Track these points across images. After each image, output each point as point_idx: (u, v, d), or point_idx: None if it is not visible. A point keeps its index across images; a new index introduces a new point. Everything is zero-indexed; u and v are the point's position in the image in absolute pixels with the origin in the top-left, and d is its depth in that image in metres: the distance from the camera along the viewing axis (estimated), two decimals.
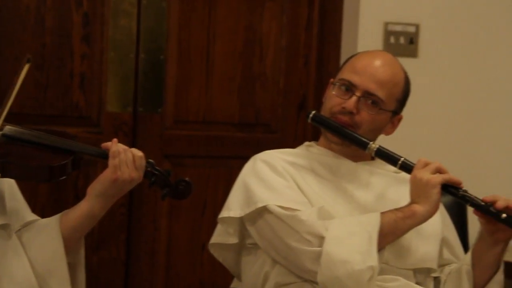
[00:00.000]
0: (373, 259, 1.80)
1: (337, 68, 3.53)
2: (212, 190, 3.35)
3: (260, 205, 1.92)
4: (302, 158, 2.04)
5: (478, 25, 3.59)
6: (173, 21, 3.27)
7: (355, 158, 2.04)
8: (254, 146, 3.26)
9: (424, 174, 1.87)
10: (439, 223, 2.04)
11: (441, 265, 2.06)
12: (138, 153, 1.86)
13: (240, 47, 3.38)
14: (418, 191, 1.87)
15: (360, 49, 3.26)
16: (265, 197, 1.92)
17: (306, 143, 2.12)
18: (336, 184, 2.00)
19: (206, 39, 3.33)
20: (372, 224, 1.85)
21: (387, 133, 2.08)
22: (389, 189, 2.03)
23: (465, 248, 2.26)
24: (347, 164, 2.03)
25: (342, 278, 1.79)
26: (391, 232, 1.88)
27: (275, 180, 1.95)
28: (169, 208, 3.29)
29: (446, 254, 2.07)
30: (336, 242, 1.82)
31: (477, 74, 3.61)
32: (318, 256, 1.83)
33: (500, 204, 1.86)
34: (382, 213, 1.88)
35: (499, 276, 1.96)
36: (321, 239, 1.84)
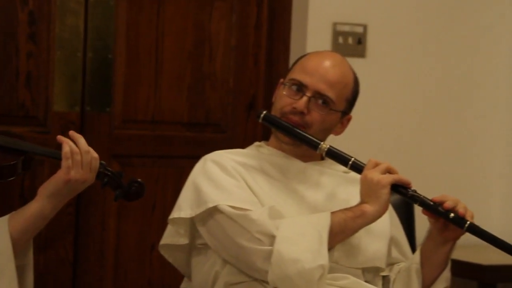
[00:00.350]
0: (323, 258, 1.81)
1: (287, 68, 3.56)
2: (161, 190, 3.33)
3: (210, 205, 1.92)
4: (252, 158, 2.04)
5: (425, 25, 3.62)
6: (121, 19, 3.25)
7: (305, 158, 2.05)
8: (203, 146, 3.27)
9: (374, 174, 1.89)
10: (388, 223, 2.06)
11: (390, 264, 2.07)
12: (93, 154, 1.84)
13: (190, 46, 3.36)
14: (368, 191, 1.89)
15: (309, 49, 3.27)
16: (215, 197, 1.92)
17: (256, 143, 2.12)
18: (286, 184, 2.01)
19: (154, 38, 3.31)
20: (322, 223, 1.86)
21: (337, 133, 2.09)
22: (339, 188, 2.04)
23: (413, 247, 2.28)
24: (297, 164, 2.04)
25: (292, 277, 1.80)
26: (341, 232, 1.89)
27: (225, 180, 1.95)
28: (118, 208, 3.27)
29: (395, 253, 2.08)
30: (287, 241, 1.83)
31: (423, 74, 3.64)
32: (269, 255, 1.83)
33: (448, 204, 1.88)
34: (332, 212, 1.90)
35: (446, 274, 1.98)
36: (272, 238, 1.84)
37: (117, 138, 3.29)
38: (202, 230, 1.97)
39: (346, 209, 1.91)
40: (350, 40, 3.46)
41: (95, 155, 1.84)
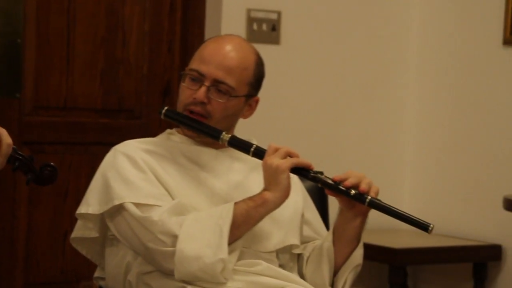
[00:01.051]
0: (223, 252, 1.83)
1: None
2: (74, 177, 3.30)
3: (116, 202, 1.90)
4: (163, 147, 2.01)
5: (338, 13, 3.65)
6: (30, 3, 3.19)
7: (217, 145, 2.02)
8: (117, 133, 3.29)
9: (274, 160, 1.88)
10: (300, 202, 2.06)
11: (303, 243, 2.07)
12: (7, 140, 1.79)
13: (102, 31, 3.33)
14: (268, 177, 1.88)
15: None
16: (122, 194, 1.90)
17: (168, 130, 2.08)
18: (197, 173, 1.99)
19: (66, 23, 3.26)
20: (223, 217, 1.86)
21: (246, 116, 2.06)
22: (251, 175, 2.02)
23: (327, 229, 2.26)
24: (208, 152, 2.02)
25: (196, 273, 1.83)
26: (244, 222, 1.89)
27: (134, 174, 1.92)
28: (29, 195, 3.23)
29: (307, 231, 2.08)
30: (188, 239, 1.84)
31: (337, 61, 3.67)
32: (172, 255, 1.84)
33: (349, 181, 1.89)
34: (236, 203, 1.89)
35: (359, 251, 1.98)
36: (174, 238, 1.85)
37: (28, 124, 3.23)
38: (111, 225, 1.95)
39: (248, 199, 1.90)
40: (264, 27, 3.46)
41: (9, 140, 1.80)
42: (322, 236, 2.06)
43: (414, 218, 1.84)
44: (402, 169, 3.85)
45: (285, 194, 1.89)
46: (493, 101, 3.58)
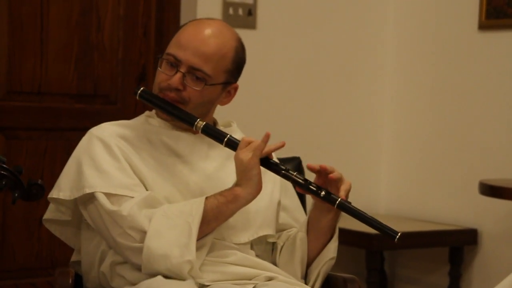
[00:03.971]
0: (191, 253, 1.80)
1: None
2: (49, 163, 3.28)
3: (87, 191, 1.86)
4: (139, 131, 1.96)
5: None
6: None
7: (195, 130, 1.97)
8: (92, 118, 3.22)
9: (245, 155, 1.84)
10: (277, 191, 2.03)
11: (279, 231, 2.04)
12: None
13: (76, 15, 3.30)
14: (240, 172, 1.85)
15: None
16: (93, 182, 1.87)
17: (147, 112, 2.03)
18: (173, 161, 1.95)
19: (39, 6, 3.23)
20: (193, 213, 1.83)
21: (223, 103, 2.01)
22: (228, 162, 1.98)
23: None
24: (186, 138, 1.97)
25: (163, 272, 1.81)
26: (215, 218, 1.86)
27: (107, 162, 1.89)
28: None
29: (283, 218, 2.05)
30: (156, 236, 1.81)
31: (314, 46, 3.67)
32: (140, 251, 1.82)
33: (319, 181, 1.87)
34: (206, 198, 1.87)
35: (334, 244, 1.95)
36: (143, 233, 1.82)
37: (1, 110, 3.21)
38: (84, 212, 1.92)
39: (219, 194, 1.87)
40: (240, 11, 3.44)
41: None
42: (300, 223, 2.03)
43: (382, 225, 1.80)
44: (378, 154, 3.85)
45: (257, 190, 1.85)
46: (469, 86, 3.59)
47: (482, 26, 3.51)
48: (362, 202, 3.40)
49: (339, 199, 1.84)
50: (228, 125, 2.06)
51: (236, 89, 2.01)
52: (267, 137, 1.85)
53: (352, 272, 2.18)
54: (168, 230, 1.81)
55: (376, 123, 3.84)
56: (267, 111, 3.57)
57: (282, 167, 1.87)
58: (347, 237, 3.17)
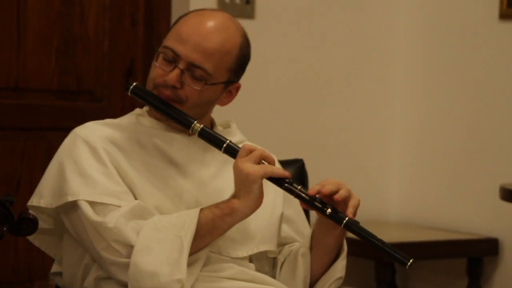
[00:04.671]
0: (181, 272, 1.75)
1: (168, 29, 3.44)
2: (27, 166, 3.21)
3: (70, 199, 1.83)
4: (129, 132, 1.91)
5: None
6: None
7: (191, 133, 1.93)
8: (76, 116, 3.19)
9: (246, 165, 1.79)
10: (279, 202, 1.98)
11: (281, 244, 2.00)
12: None
13: (57, 4, 3.23)
14: (239, 183, 1.81)
15: (192, 9, 3.27)
16: (77, 189, 1.83)
17: (137, 110, 1.97)
18: (165, 167, 1.89)
19: None
20: (186, 227, 1.79)
21: (223, 104, 1.97)
22: (225, 167, 1.93)
23: None
24: (180, 140, 1.91)
25: None
26: (209, 233, 1.81)
27: (92, 166, 1.84)
28: None
29: (286, 231, 2.00)
30: (145, 251, 1.77)
31: (317, 36, 3.61)
32: (126, 267, 1.78)
33: (326, 189, 1.80)
34: (201, 210, 1.82)
35: (341, 262, 1.90)
36: (129, 248, 1.79)
37: None
38: (66, 221, 1.89)
39: (215, 206, 1.83)
40: (237, 0, 3.41)
41: None
42: (304, 236, 1.98)
43: (393, 249, 1.77)
44: (388, 157, 3.83)
45: (256, 204, 1.81)
46: (488, 81, 3.54)
47: (503, 15, 3.45)
48: (370, 209, 3.52)
49: (346, 218, 1.79)
50: (227, 125, 2.02)
51: (238, 88, 1.96)
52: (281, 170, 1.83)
53: (360, 285, 2.33)
54: (158, 245, 1.78)
55: (386, 123, 3.78)
56: (266, 109, 3.53)
57: (285, 180, 1.83)
58: (354, 247, 3.20)
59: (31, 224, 1.70)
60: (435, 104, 3.69)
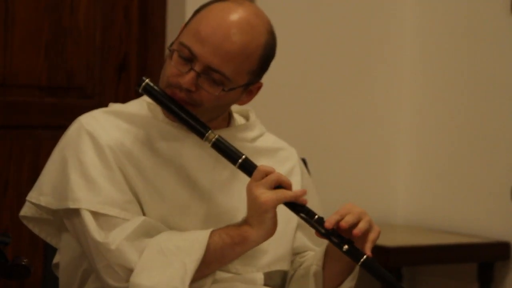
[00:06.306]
0: None
1: (163, 23, 3.31)
2: (15, 166, 3.16)
3: (71, 206, 1.77)
4: (141, 127, 1.82)
5: None
6: None
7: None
8: (66, 114, 3.18)
9: (259, 192, 1.72)
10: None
11: (293, 254, 1.94)
12: None
13: None
14: (252, 210, 1.74)
15: (189, 0, 3.20)
16: (79, 195, 1.76)
17: (147, 97, 1.86)
18: (175, 173, 1.82)
19: None
20: (192, 254, 1.74)
21: (242, 103, 1.88)
22: (237, 176, 1.86)
23: None
24: (193, 140, 1.82)
25: None
26: (217, 261, 1.76)
27: (97, 169, 1.77)
28: None
29: (299, 239, 1.93)
30: (145, 273, 1.72)
31: (322, 29, 3.57)
32: None
33: (345, 222, 1.73)
34: (211, 235, 1.76)
35: (350, 283, 1.84)
36: (130, 272, 1.74)
37: None
38: (67, 223, 1.83)
39: (225, 233, 1.76)
40: None
41: None
42: (319, 243, 1.90)
43: None
44: (395, 158, 3.79)
45: (269, 233, 1.75)
46: (499, 78, 3.50)
47: None
48: (376, 211, 3.44)
49: (364, 256, 1.73)
50: (246, 115, 1.94)
51: (259, 88, 1.87)
52: (302, 192, 1.76)
53: None
54: (160, 269, 1.74)
55: (393, 123, 3.75)
56: (267, 106, 3.40)
57: (301, 208, 1.76)
58: None
59: (24, 271, 1.67)
60: (444, 103, 3.66)
